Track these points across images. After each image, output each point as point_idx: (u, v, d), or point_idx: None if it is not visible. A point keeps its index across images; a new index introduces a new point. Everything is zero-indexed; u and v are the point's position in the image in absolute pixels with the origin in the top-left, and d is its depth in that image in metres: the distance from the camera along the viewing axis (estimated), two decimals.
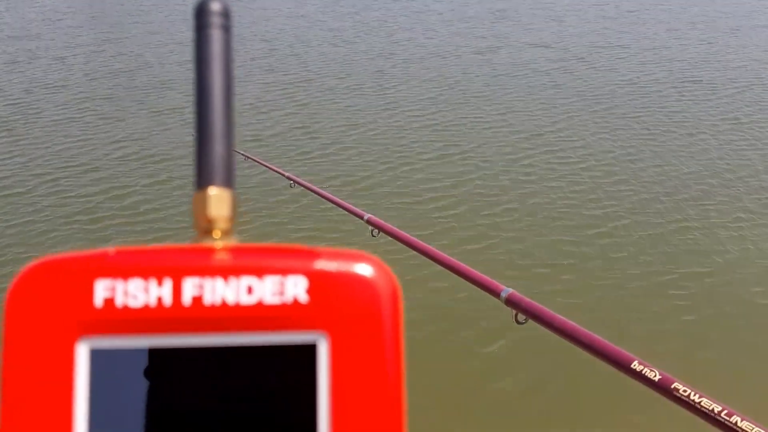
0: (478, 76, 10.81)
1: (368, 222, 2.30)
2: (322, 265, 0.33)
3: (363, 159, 7.28)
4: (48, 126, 8.46)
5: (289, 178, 3.65)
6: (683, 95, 9.77)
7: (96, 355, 0.31)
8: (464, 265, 1.72)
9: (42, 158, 7.40)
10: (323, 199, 3.15)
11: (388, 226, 2.20)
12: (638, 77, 10.73)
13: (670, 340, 4.18)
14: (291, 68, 11.44)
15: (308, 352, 0.32)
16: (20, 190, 6.58)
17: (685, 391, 1.10)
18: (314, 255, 0.33)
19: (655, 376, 1.14)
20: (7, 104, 9.45)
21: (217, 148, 0.36)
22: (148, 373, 0.32)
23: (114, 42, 13.58)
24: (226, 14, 0.37)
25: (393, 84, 10.37)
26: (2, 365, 0.31)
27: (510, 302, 1.49)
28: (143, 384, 0.31)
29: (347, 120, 8.59)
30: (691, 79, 10.59)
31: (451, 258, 1.79)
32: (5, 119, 8.81)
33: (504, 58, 12.03)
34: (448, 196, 6.31)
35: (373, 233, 2.24)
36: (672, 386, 1.11)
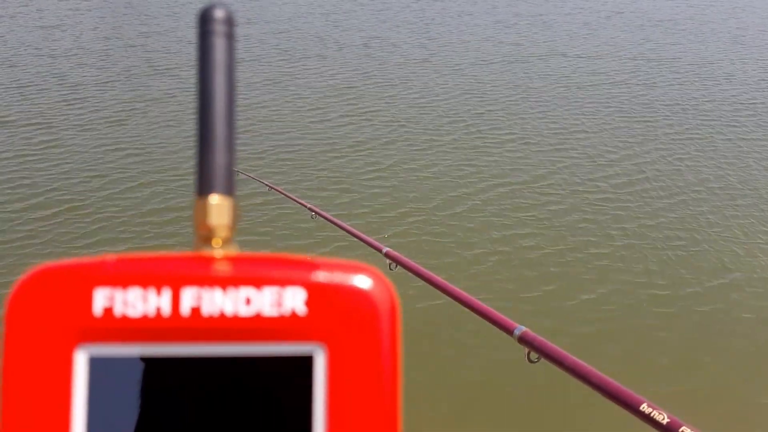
0: (504, 94, 10.55)
1: (386, 255, 2.33)
2: (321, 276, 0.33)
3: (382, 189, 7.29)
4: (55, 126, 8.70)
5: (311, 210, 3.72)
6: (739, 115, 9.60)
7: (94, 363, 0.32)
8: (479, 302, 1.74)
9: (47, 159, 7.64)
10: (343, 231, 3.20)
11: (406, 260, 2.23)
12: (678, 94, 10.60)
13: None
14: (309, 79, 11.27)
15: (305, 363, 0.32)
16: (27, 192, 6.80)
17: None
18: (313, 266, 0.33)
19: (663, 419, 1.15)
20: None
21: (219, 156, 0.35)
22: (145, 381, 0.32)
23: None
24: (230, 22, 0.36)
25: (413, 101, 10.23)
26: (2, 371, 0.31)
27: (523, 340, 1.51)
28: (140, 392, 0.32)
29: (367, 148, 8.51)
30: (746, 101, 10.40)
31: (467, 294, 1.82)
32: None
33: (534, 73, 11.76)
34: (471, 227, 6.28)
35: (391, 267, 2.27)
36: (680, 430, 1.12)
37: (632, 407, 1.20)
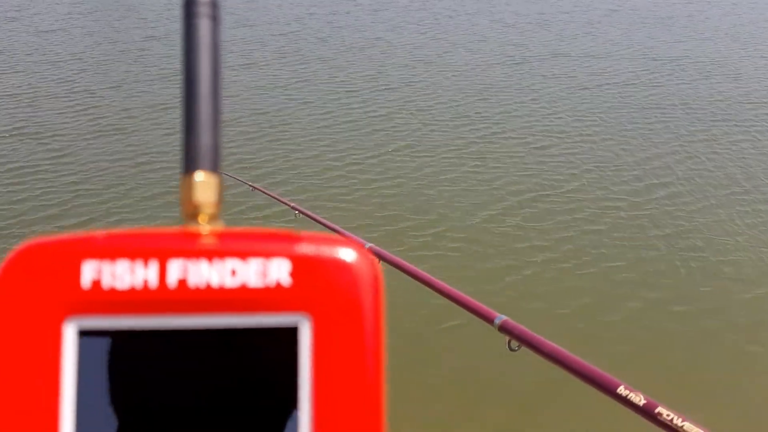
0: (509, 96, 10.36)
1: (369, 250, 2.35)
2: (305, 249, 0.33)
3: (368, 186, 7.19)
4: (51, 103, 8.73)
5: (294, 209, 3.73)
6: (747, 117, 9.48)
7: (83, 335, 0.32)
8: (461, 293, 1.77)
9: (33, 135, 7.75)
10: (327, 229, 3.21)
11: (389, 254, 2.25)
12: (685, 93, 10.50)
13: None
14: (311, 82, 11.13)
15: (290, 334, 0.33)
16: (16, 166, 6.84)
17: (668, 415, 1.14)
18: (297, 239, 0.34)
19: (640, 400, 1.18)
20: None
21: (204, 134, 0.36)
22: (133, 352, 0.32)
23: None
24: (214, 4, 0.37)
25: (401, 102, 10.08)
26: None
27: (503, 329, 1.54)
28: (129, 363, 0.32)
29: (351, 145, 8.42)
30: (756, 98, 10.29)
31: (449, 286, 1.85)
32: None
33: (539, 73, 11.58)
34: (457, 226, 6.26)
35: None
36: (656, 411, 1.15)
37: (610, 390, 1.23)
